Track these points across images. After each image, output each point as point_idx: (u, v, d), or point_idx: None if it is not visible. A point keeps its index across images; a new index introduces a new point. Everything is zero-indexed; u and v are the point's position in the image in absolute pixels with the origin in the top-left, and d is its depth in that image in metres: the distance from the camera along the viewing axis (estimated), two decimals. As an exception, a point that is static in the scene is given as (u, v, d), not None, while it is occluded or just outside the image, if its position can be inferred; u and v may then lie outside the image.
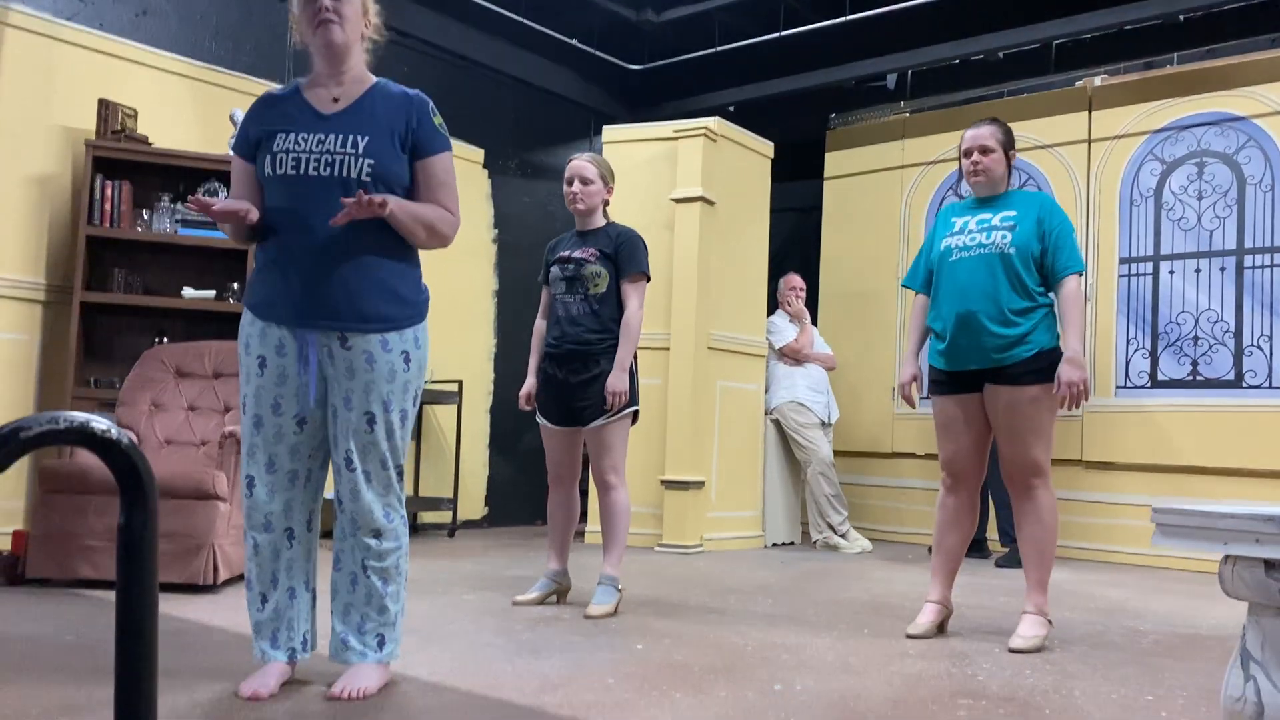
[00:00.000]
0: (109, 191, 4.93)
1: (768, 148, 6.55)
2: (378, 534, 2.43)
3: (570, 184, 3.76)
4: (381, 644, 2.45)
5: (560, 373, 3.72)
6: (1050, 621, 3.33)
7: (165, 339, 5.08)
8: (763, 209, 6.53)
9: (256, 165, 2.42)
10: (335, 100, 2.42)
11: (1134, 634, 3.59)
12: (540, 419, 3.82)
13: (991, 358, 3.29)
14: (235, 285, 5.17)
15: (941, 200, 6.94)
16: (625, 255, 3.72)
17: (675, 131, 6.08)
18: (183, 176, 5.20)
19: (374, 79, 2.49)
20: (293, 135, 2.37)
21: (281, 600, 2.45)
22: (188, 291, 5.13)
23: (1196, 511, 1.88)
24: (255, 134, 2.44)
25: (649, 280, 3.81)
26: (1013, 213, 3.35)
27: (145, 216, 5.07)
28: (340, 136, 2.36)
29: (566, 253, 3.77)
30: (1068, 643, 3.35)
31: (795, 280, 6.71)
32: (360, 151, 2.35)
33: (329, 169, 2.34)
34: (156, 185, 5.15)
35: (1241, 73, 5.89)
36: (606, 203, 3.85)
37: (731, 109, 7.28)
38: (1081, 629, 3.65)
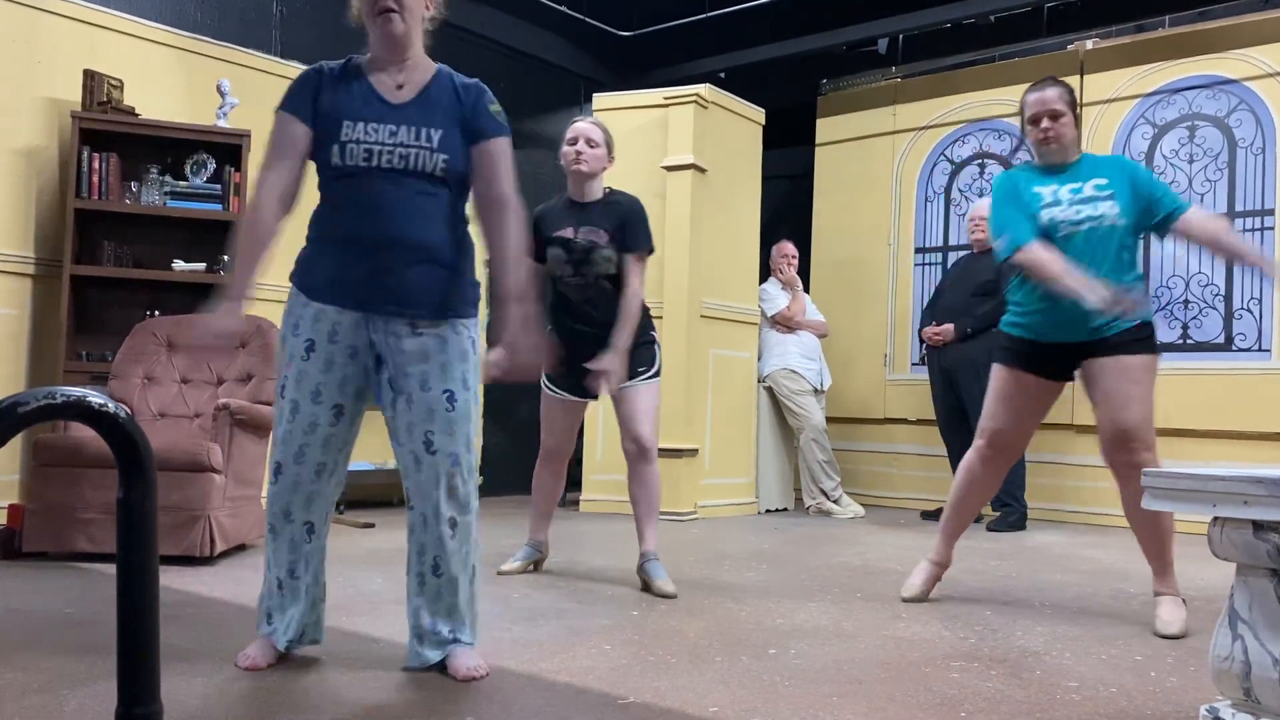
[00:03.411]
0: (96, 164, 4.89)
1: (759, 114, 6.52)
2: (453, 524, 2.39)
3: (574, 143, 3.53)
4: (470, 627, 2.44)
5: (575, 351, 3.53)
6: (1184, 601, 3.15)
7: (156, 312, 5.06)
8: (754, 176, 6.51)
9: (319, 148, 2.33)
10: (400, 88, 2.36)
11: (1123, 595, 3.63)
12: (548, 388, 3.67)
13: (1091, 330, 3.06)
14: (225, 258, 5.14)
15: (933, 167, 6.94)
16: (632, 232, 3.51)
17: (666, 99, 6.05)
18: (171, 148, 5.16)
19: (435, 66, 2.43)
20: (361, 125, 2.31)
21: (295, 589, 2.42)
22: (178, 264, 5.11)
23: (1185, 474, 1.90)
24: (321, 108, 2.34)
25: (651, 254, 3.61)
26: (1103, 180, 3.13)
27: (134, 188, 5.04)
28: (412, 129, 2.31)
29: (569, 232, 3.52)
30: (1058, 605, 3.39)
31: (787, 247, 6.71)
32: (435, 146, 2.31)
33: (403, 162, 2.30)
34: (144, 157, 5.11)
35: (1233, 35, 5.87)
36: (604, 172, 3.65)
37: (723, 75, 7.24)
38: (1072, 591, 3.69)
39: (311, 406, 2.35)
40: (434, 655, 2.40)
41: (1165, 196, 3.16)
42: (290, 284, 2.42)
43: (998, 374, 3.28)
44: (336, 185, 2.35)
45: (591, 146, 3.54)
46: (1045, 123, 3.18)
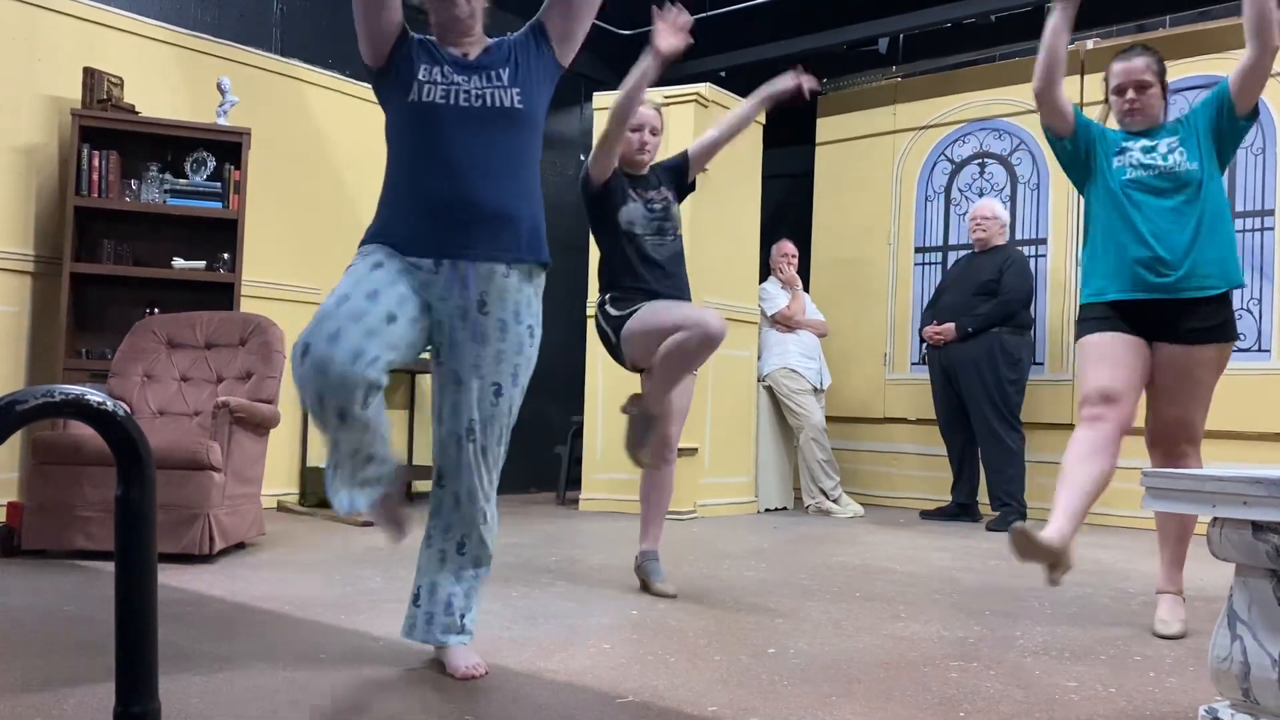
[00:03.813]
0: (96, 161, 4.89)
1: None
2: (485, 515, 2.40)
3: (641, 130, 3.52)
4: (472, 619, 2.44)
5: None
6: (1184, 599, 3.09)
7: (156, 310, 5.06)
8: (754, 175, 6.51)
9: (394, 87, 2.36)
10: (466, 55, 2.42)
11: (1123, 595, 3.63)
12: (632, 308, 3.44)
13: (1164, 280, 2.91)
14: (225, 256, 5.15)
15: (933, 166, 6.93)
16: (674, 174, 3.63)
17: (666, 98, 6.04)
18: (171, 145, 5.16)
19: (487, 38, 2.50)
20: (438, 68, 2.36)
21: (361, 444, 2.25)
22: (178, 262, 5.11)
23: (1185, 474, 1.90)
24: (400, 51, 2.36)
25: None
26: (1174, 139, 3.02)
27: (134, 186, 5.04)
28: (484, 74, 2.38)
29: (643, 194, 3.52)
30: (1058, 604, 3.39)
31: (787, 247, 6.71)
32: (506, 83, 2.38)
33: (480, 101, 2.35)
34: (144, 155, 5.11)
35: (1233, 36, 5.86)
36: None
37: (723, 75, 7.23)
38: (1071, 591, 3.68)
39: (363, 301, 2.19)
40: (438, 637, 2.40)
41: (1212, 94, 3.03)
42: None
43: (1086, 342, 3.04)
44: (410, 129, 2.35)
45: (654, 135, 3.59)
46: (1131, 93, 3.06)
